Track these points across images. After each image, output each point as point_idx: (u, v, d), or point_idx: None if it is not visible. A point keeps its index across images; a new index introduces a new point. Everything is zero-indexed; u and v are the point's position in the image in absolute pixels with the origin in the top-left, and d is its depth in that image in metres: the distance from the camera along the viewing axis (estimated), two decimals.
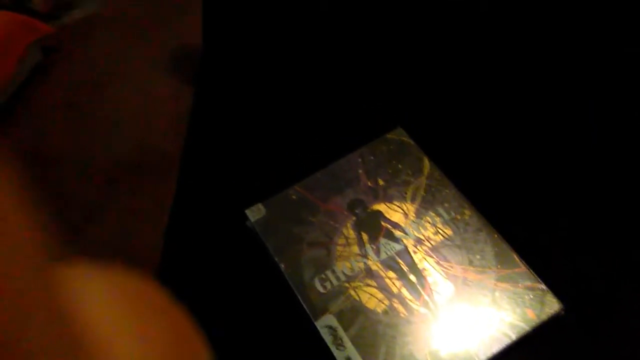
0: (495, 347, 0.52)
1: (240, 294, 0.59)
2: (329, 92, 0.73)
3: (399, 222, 0.60)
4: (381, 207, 0.61)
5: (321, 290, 0.56)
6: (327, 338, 0.54)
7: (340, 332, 0.54)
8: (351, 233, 0.60)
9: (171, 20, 1.25)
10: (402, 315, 0.54)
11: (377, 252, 0.58)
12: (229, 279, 0.60)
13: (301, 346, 0.55)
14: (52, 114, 1.11)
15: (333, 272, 0.57)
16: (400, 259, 0.58)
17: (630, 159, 0.64)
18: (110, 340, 0.17)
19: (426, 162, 0.64)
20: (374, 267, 0.57)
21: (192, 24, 1.11)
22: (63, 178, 1.08)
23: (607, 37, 0.74)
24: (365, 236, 0.59)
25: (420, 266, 0.57)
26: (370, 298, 0.56)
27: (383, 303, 0.55)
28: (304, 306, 0.56)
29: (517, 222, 0.60)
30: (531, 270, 0.55)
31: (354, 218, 0.61)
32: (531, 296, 0.54)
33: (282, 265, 0.58)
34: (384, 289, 0.56)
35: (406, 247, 0.58)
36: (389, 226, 0.60)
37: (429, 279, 0.56)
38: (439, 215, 0.60)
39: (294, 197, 0.63)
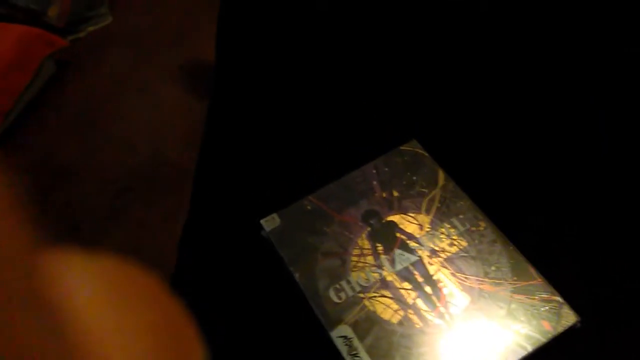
0: (511, 359, 0.52)
1: (255, 304, 0.59)
2: (344, 103, 0.74)
3: (413, 234, 0.60)
4: (396, 218, 0.61)
5: (336, 300, 0.56)
6: (342, 348, 0.54)
7: (356, 342, 0.54)
8: (366, 244, 0.60)
9: (184, 34, 1.27)
10: (417, 326, 0.54)
11: (392, 263, 0.58)
12: (244, 288, 0.60)
13: (316, 356, 0.55)
14: (66, 126, 1.12)
15: (348, 282, 0.57)
16: (415, 270, 0.58)
17: None
18: (101, 329, 0.17)
19: (440, 174, 0.64)
20: (389, 278, 0.57)
21: (204, 38, 1.13)
22: (75, 189, 1.09)
23: (609, 36, 0.75)
24: (380, 247, 0.60)
25: (435, 277, 0.57)
26: (386, 309, 0.56)
27: (398, 314, 0.55)
28: (319, 316, 0.56)
29: (533, 234, 0.60)
30: (547, 282, 0.55)
31: (368, 229, 0.61)
32: (547, 308, 0.54)
33: (297, 275, 0.58)
34: (399, 299, 0.56)
35: (421, 259, 0.58)
36: (403, 237, 0.60)
37: (445, 290, 0.56)
38: (453, 226, 0.60)
39: (308, 207, 0.63)
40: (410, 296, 0.56)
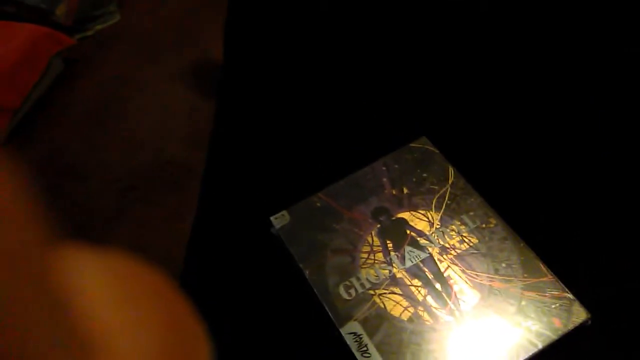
0: (522, 356, 0.52)
1: (265, 301, 0.59)
2: (353, 101, 0.74)
3: (424, 230, 0.60)
4: (406, 215, 0.61)
5: (346, 297, 0.56)
6: (352, 345, 0.54)
7: (365, 339, 0.54)
8: (376, 241, 0.60)
9: (191, 33, 1.27)
10: (427, 323, 0.54)
11: (402, 260, 0.58)
12: (254, 285, 0.61)
13: (326, 353, 0.55)
14: (73, 125, 1.12)
15: (358, 279, 0.57)
16: (425, 267, 0.58)
17: None
18: (108, 326, 0.17)
19: (451, 171, 0.64)
20: (399, 275, 0.57)
21: (211, 37, 1.13)
22: (81, 188, 1.09)
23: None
24: (390, 244, 0.59)
25: (445, 274, 0.57)
26: (395, 305, 0.56)
27: (408, 311, 0.55)
28: (329, 313, 0.56)
29: (543, 231, 0.60)
30: (557, 279, 0.55)
31: (378, 226, 0.61)
32: (558, 305, 0.54)
33: (307, 272, 0.58)
34: (409, 296, 0.56)
35: (431, 255, 0.58)
36: (414, 234, 0.60)
37: (455, 287, 0.56)
38: (464, 223, 0.60)
39: (318, 204, 0.63)
40: (420, 293, 0.56)
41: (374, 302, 0.56)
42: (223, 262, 0.63)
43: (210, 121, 0.80)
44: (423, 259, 0.58)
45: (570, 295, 0.54)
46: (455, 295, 0.56)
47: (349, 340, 0.54)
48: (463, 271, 0.57)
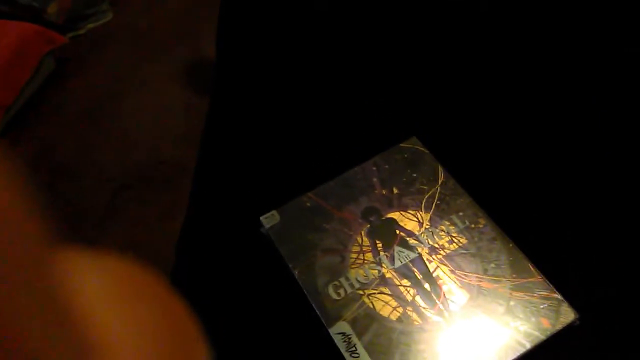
0: (510, 356, 0.52)
1: (254, 300, 0.59)
2: (344, 101, 0.74)
3: (413, 231, 0.60)
4: (396, 215, 0.61)
5: (335, 297, 0.56)
6: (341, 345, 0.53)
7: (354, 339, 0.54)
8: (365, 241, 0.60)
9: (184, 32, 1.27)
10: (416, 323, 0.54)
11: (392, 260, 0.58)
12: (243, 285, 0.60)
13: (314, 353, 0.55)
14: (65, 123, 1.12)
15: (347, 279, 0.57)
16: (414, 267, 0.58)
17: None
18: (106, 328, 0.17)
19: (440, 171, 0.64)
20: (388, 275, 0.57)
21: (204, 36, 1.13)
22: (74, 187, 1.09)
23: (608, 36, 0.75)
24: (379, 244, 0.59)
25: (434, 274, 0.57)
26: (384, 306, 0.56)
27: (397, 311, 0.55)
28: (318, 313, 0.56)
29: (532, 231, 0.60)
30: (546, 280, 0.55)
31: (368, 226, 0.61)
32: (546, 305, 0.54)
33: (296, 272, 0.58)
34: (398, 296, 0.56)
35: (421, 256, 0.58)
36: (403, 234, 0.60)
37: (444, 288, 0.56)
38: (453, 224, 0.60)
39: (308, 204, 0.63)
40: (410, 293, 0.56)
41: (363, 302, 0.56)
42: (213, 261, 0.63)
43: (203, 120, 0.80)
44: (412, 259, 0.58)
45: (558, 296, 0.54)
46: (444, 295, 0.56)
47: (338, 340, 0.54)
48: (452, 271, 0.57)
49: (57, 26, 1.18)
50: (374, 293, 0.56)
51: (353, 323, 0.55)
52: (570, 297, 0.54)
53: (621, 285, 0.56)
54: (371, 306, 0.56)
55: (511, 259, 0.57)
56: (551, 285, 0.55)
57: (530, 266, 0.57)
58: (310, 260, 0.59)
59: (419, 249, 0.59)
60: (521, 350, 0.52)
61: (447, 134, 0.69)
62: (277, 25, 0.85)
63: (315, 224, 0.61)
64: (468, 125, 0.70)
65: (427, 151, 0.66)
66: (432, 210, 0.61)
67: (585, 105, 0.70)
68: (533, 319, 0.53)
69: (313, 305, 0.56)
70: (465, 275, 0.57)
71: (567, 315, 0.53)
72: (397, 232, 0.60)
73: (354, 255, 0.59)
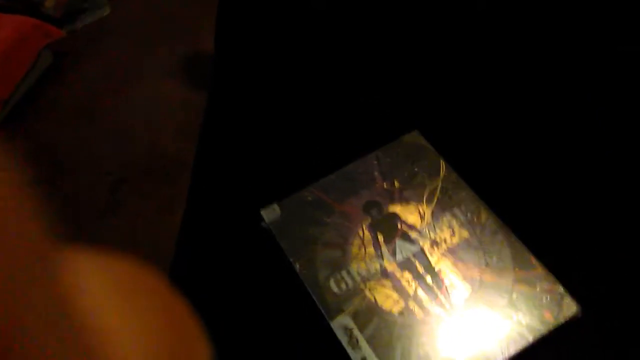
0: (512, 349, 0.52)
1: (255, 295, 0.59)
2: (345, 94, 0.74)
3: (415, 224, 0.60)
4: (397, 208, 0.61)
5: (336, 290, 0.56)
6: (343, 338, 0.53)
7: (356, 332, 0.54)
8: (367, 234, 0.59)
9: (182, 26, 1.26)
10: (418, 316, 0.54)
11: (393, 254, 0.58)
12: (244, 279, 0.60)
13: (316, 347, 0.55)
14: (63, 117, 1.11)
15: (348, 272, 0.57)
16: (416, 260, 0.58)
17: None
18: (109, 328, 0.17)
19: (442, 165, 0.64)
20: (389, 268, 0.57)
21: (203, 30, 1.12)
22: (73, 182, 1.08)
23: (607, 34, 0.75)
24: (381, 237, 0.59)
25: (436, 268, 0.57)
26: (386, 299, 0.55)
27: (399, 304, 0.55)
28: (319, 306, 0.55)
29: (534, 224, 0.60)
30: (549, 272, 0.55)
31: (369, 219, 0.61)
32: (549, 298, 0.54)
33: (297, 266, 0.58)
34: (400, 290, 0.56)
35: (422, 249, 0.58)
36: (405, 228, 0.60)
37: (446, 281, 0.56)
38: (455, 217, 0.60)
39: (309, 198, 0.63)
40: (411, 286, 0.56)
41: (365, 296, 0.56)
42: (213, 255, 0.63)
43: (202, 114, 0.79)
44: (414, 253, 0.58)
45: (561, 289, 0.54)
46: (446, 288, 0.56)
47: (340, 333, 0.54)
48: (454, 264, 0.57)
49: (54, 20, 1.17)
50: (376, 286, 0.56)
51: (355, 316, 0.54)
52: (573, 290, 0.54)
53: (624, 279, 0.56)
54: (373, 299, 0.55)
55: (513, 251, 0.57)
56: (554, 278, 0.55)
57: (533, 259, 0.56)
58: (311, 254, 0.59)
59: (421, 242, 0.59)
60: (523, 343, 0.52)
61: (449, 127, 0.69)
62: (276, 19, 0.85)
63: (316, 218, 0.61)
64: (470, 119, 0.70)
65: (428, 145, 0.66)
66: (433, 204, 0.61)
67: (585, 98, 0.70)
68: (535, 312, 0.53)
69: (314, 298, 0.56)
70: (467, 268, 0.57)
71: (570, 308, 0.53)
72: (399, 225, 0.60)
73: (356, 249, 0.59)
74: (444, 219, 0.60)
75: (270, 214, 0.62)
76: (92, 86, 1.16)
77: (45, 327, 0.13)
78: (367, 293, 0.56)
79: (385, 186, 0.63)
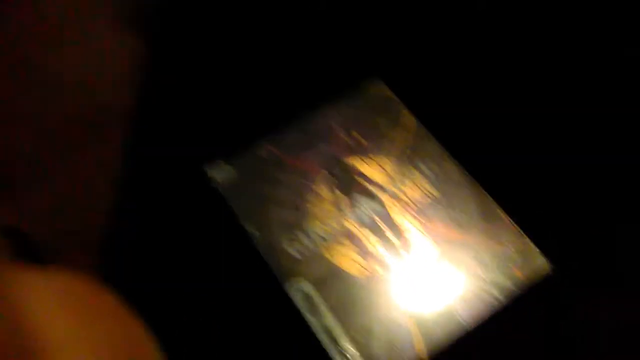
0: (481, 309, 0.49)
1: (204, 260, 0.54)
2: (301, 40, 0.68)
3: (377, 180, 0.55)
4: (358, 163, 0.56)
5: (294, 254, 0.52)
6: (302, 305, 0.49)
7: (316, 297, 0.50)
8: (326, 192, 0.55)
9: None
10: (381, 278, 0.50)
11: (354, 212, 0.54)
12: (191, 243, 0.55)
13: (273, 315, 0.51)
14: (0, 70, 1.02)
15: (306, 234, 0.53)
16: (378, 218, 0.53)
17: (614, 118, 0.61)
18: (60, 343, 0.17)
19: (406, 115, 0.59)
20: (351, 228, 0.53)
21: None
22: (8, 137, 0.99)
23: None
24: (341, 195, 0.55)
25: (400, 225, 0.53)
26: (347, 261, 0.51)
27: (361, 266, 0.51)
28: (275, 272, 0.51)
29: (504, 178, 0.56)
30: (518, 228, 0.52)
31: (329, 176, 0.56)
32: (518, 255, 0.51)
33: (250, 228, 0.53)
34: (362, 251, 0.52)
35: (385, 206, 0.54)
36: (366, 184, 0.55)
37: (410, 239, 0.52)
38: (419, 171, 0.56)
39: (262, 154, 0.57)
40: (374, 246, 0.52)
41: (324, 259, 0.51)
42: (154, 218, 0.57)
43: (144, 64, 0.72)
44: (377, 211, 0.54)
45: (531, 245, 0.51)
46: (411, 247, 0.52)
47: (298, 299, 0.49)
48: (418, 221, 0.53)
49: None
50: (336, 248, 0.52)
51: (314, 281, 0.50)
52: (544, 246, 0.51)
53: (595, 235, 0.54)
54: (333, 261, 0.51)
55: (481, 207, 0.54)
56: (524, 234, 0.52)
57: (502, 214, 0.53)
58: (265, 215, 0.54)
59: (384, 199, 0.54)
60: (492, 303, 0.49)
61: (413, 76, 0.64)
62: None
63: (270, 175, 0.56)
64: (435, 67, 0.65)
65: (391, 93, 0.61)
66: (397, 157, 0.57)
67: (564, 51, 0.66)
68: (504, 270, 0.50)
69: (269, 263, 0.51)
70: (433, 225, 0.53)
71: (540, 265, 0.50)
72: (360, 181, 0.55)
73: (314, 208, 0.54)
74: (408, 173, 0.56)
75: (218, 172, 0.56)
76: (28, 35, 1.06)
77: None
78: (327, 255, 0.52)
79: (345, 139, 0.58)
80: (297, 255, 0.51)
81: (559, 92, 0.62)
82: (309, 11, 0.70)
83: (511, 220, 0.52)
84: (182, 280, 0.54)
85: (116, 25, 0.97)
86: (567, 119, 0.61)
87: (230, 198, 0.55)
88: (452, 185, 0.55)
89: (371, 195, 0.55)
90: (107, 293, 0.20)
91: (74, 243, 0.59)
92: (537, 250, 0.51)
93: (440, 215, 0.53)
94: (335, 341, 0.48)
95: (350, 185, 0.55)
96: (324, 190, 0.55)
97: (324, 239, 0.52)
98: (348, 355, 0.47)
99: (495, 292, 0.49)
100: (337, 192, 0.55)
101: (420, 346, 0.47)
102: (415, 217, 0.53)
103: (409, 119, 0.59)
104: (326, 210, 0.54)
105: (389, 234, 0.52)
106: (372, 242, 0.52)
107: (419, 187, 0.55)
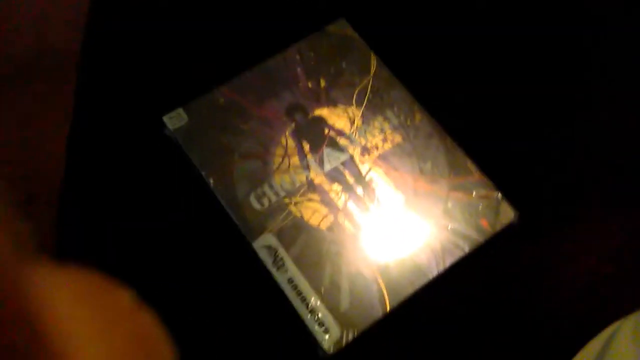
0: (448, 260, 0.49)
1: (162, 215, 0.51)
2: None
3: (343, 129, 0.53)
4: (324, 112, 0.54)
5: (258, 207, 0.50)
6: (267, 259, 0.48)
7: (281, 252, 0.48)
8: (290, 142, 0.52)
9: None
10: (348, 231, 0.49)
11: (320, 163, 0.52)
12: (147, 196, 0.52)
13: (238, 270, 0.49)
14: None
15: (271, 186, 0.50)
16: (345, 170, 0.52)
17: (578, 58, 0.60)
18: (75, 341, 0.17)
19: (373, 59, 0.56)
20: (316, 180, 0.51)
21: None
22: None
23: None
24: (306, 145, 0.52)
25: (367, 177, 0.51)
26: (314, 214, 0.50)
27: (327, 219, 0.50)
28: (239, 226, 0.49)
29: (471, 127, 0.55)
30: (486, 178, 0.51)
31: (293, 125, 0.53)
32: (485, 205, 0.51)
33: (211, 181, 0.50)
34: (329, 203, 0.50)
35: (352, 157, 0.52)
36: (333, 134, 0.53)
37: (377, 191, 0.51)
38: (387, 120, 0.54)
39: (221, 100, 0.54)
40: (340, 199, 0.50)
41: (290, 212, 0.50)
42: (107, 171, 0.53)
43: (99, 6, 0.65)
44: (343, 162, 0.52)
45: (498, 194, 0.51)
46: (378, 199, 0.51)
47: (263, 254, 0.48)
48: (386, 173, 0.52)
49: None
50: (302, 201, 0.50)
51: (279, 235, 0.49)
52: (510, 196, 0.51)
53: (563, 182, 0.54)
54: (299, 215, 0.50)
55: (449, 156, 0.53)
56: (491, 183, 0.51)
57: (470, 164, 0.52)
58: (227, 166, 0.51)
59: (350, 150, 0.52)
60: (459, 254, 0.49)
61: (379, 15, 0.60)
62: None
63: (230, 124, 0.53)
64: (403, 5, 0.61)
65: (357, 36, 0.57)
66: (364, 105, 0.54)
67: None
68: (472, 221, 0.50)
69: (233, 217, 0.49)
70: (400, 176, 0.52)
71: (507, 214, 0.50)
72: (326, 131, 0.53)
73: (278, 160, 0.51)
74: (375, 122, 0.54)
75: (175, 120, 0.52)
76: None
77: (11, 336, 0.14)
78: (293, 208, 0.50)
79: (309, 85, 0.55)
80: (262, 209, 0.49)
81: (531, 35, 0.61)
82: None
83: (479, 170, 0.52)
84: (144, 234, 0.51)
85: None
86: (537, 71, 0.59)
87: (188, 148, 0.51)
88: (421, 135, 0.53)
89: (338, 147, 0.52)
90: (124, 293, 0.20)
91: (20, 189, 0.55)
92: (506, 201, 0.51)
93: (409, 166, 0.52)
94: (301, 296, 0.47)
95: (317, 135, 0.53)
96: (289, 142, 0.52)
97: (289, 192, 0.50)
98: (315, 310, 0.46)
99: (462, 244, 0.49)
100: (304, 143, 0.52)
101: (386, 298, 0.47)
102: (383, 169, 0.52)
103: (375, 63, 0.56)
104: (292, 163, 0.51)
105: (356, 186, 0.51)
106: (339, 195, 0.50)
107: (387, 138, 0.53)
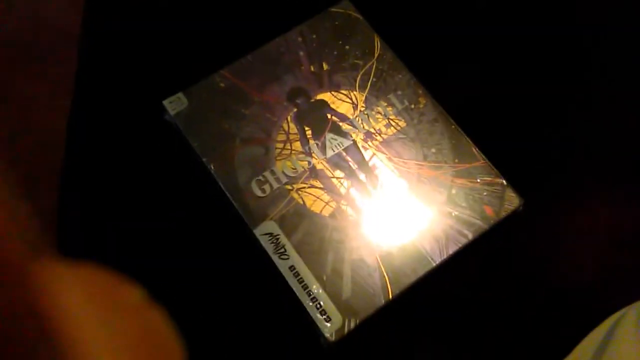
0: (452, 248, 0.48)
1: (163, 201, 0.51)
2: None
3: (346, 114, 0.52)
4: (326, 96, 0.53)
5: (259, 194, 0.49)
6: (268, 247, 0.47)
7: (283, 239, 0.48)
8: (292, 127, 0.51)
9: None
10: (350, 217, 0.49)
11: (323, 149, 0.51)
12: (147, 185, 0.51)
13: (239, 257, 0.49)
14: None
15: (272, 172, 0.50)
16: (348, 155, 0.51)
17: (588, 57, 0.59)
18: (84, 337, 0.18)
19: (377, 42, 0.55)
20: (319, 166, 0.50)
21: None
22: None
23: None
24: (308, 131, 0.51)
25: (370, 163, 0.51)
26: (316, 200, 0.49)
27: (330, 205, 0.49)
28: (240, 212, 0.48)
29: (476, 112, 0.54)
30: (490, 164, 0.51)
31: (295, 110, 0.52)
32: (490, 192, 0.50)
33: (212, 167, 0.50)
34: (331, 190, 0.50)
35: (355, 143, 0.51)
36: (335, 119, 0.52)
37: (380, 177, 0.50)
38: (391, 104, 0.53)
39: (222, 84, 0.53)
40: (343, 185, 0.50)
41: (292, 198, 0.49)
42: (108, 156, 0.52)
43: None
44: (346, 147, 0.51)
45: (503, 181, 0.50)
46: (381, 185, 0.50)
47: (264, 241, 0.48)
48: (389, 159, 0.51)
49: None
50: (304, 187, 0.50)
51: (281, 222, 0.48)
52: (515, 182, 0.50)
53: (567, 168, 0.53)
54: (301, 202, 0.49)
55: (453, 142, 0.52)
56: (496, 170, 0.51)
57: (474, 150, 0.51)
58: (228, 152, 0.50)
59: (353, 135, 0.52)
60: (463, 242, 0.48)
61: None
62: None
63: (231, 109, 0.52)
64: None
65: (361, 17, 0.56)
66: (367, 90, 0.53)
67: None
68: (476, 207, 0.49)
69: (234, 204, 0.49)
70: (403, 162, 0.51)
71: (512, 201, 0.50)
72: (329, 116, 0.52)
73: (280, 145, 0.51)
74: (379, 107, 0.53)
75: (175, 105, 0.52)
76: None
77: (21, 332, 0.15)
78: (295, 195, 0.49)
79: (312, 69, 0.54)
80: (263, 196, 0.49)
81: (531, 12, 0.59)
82: None
83: (484, 156, 0.51)
84: (144, 220, 0.50)
85: None
86: (542, 59, 0.58)
87: (188, 134, 0.51)
88: (425, 120, 0.52)
89: (341, 132, 0.52)
90: (134, 290, 0.21)
91: (20, 171, 0.54)
92: (509, 186, 0.50)
93: (412, 152, 0.51)
94: (303, 283, 0.47)
95: (319, 120, 0.52)
96: (291, 127, 0.51)
97: (291, 178, 0.50)
98: (317, 297, 0.46)
99: (466, 231, 0.49)
100: (306, 129, 0.51)
101: (389, 285, 0.47)
102: (386, 155, 0.51)
103: (379, 45, 0.55)
104: (294, 148, 0.51)
105: (359, 172, 0.50)
106: (342, 181, 0.50)
107: (390, 123, 0.52)
